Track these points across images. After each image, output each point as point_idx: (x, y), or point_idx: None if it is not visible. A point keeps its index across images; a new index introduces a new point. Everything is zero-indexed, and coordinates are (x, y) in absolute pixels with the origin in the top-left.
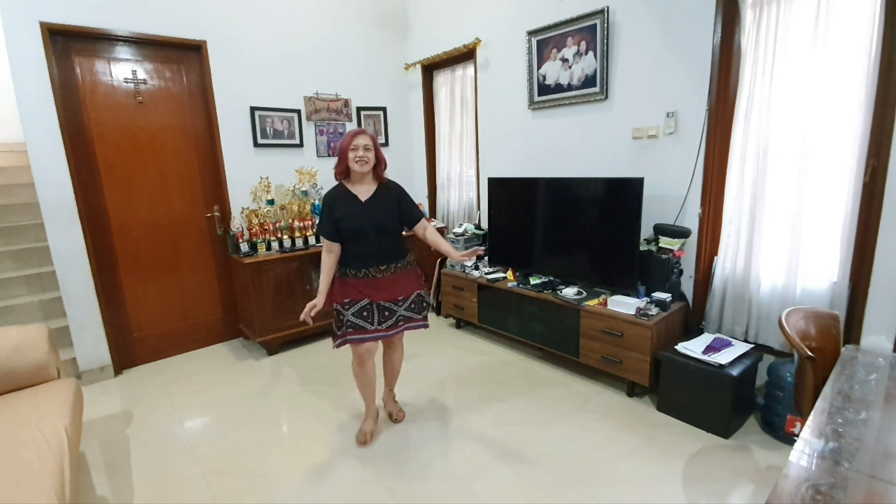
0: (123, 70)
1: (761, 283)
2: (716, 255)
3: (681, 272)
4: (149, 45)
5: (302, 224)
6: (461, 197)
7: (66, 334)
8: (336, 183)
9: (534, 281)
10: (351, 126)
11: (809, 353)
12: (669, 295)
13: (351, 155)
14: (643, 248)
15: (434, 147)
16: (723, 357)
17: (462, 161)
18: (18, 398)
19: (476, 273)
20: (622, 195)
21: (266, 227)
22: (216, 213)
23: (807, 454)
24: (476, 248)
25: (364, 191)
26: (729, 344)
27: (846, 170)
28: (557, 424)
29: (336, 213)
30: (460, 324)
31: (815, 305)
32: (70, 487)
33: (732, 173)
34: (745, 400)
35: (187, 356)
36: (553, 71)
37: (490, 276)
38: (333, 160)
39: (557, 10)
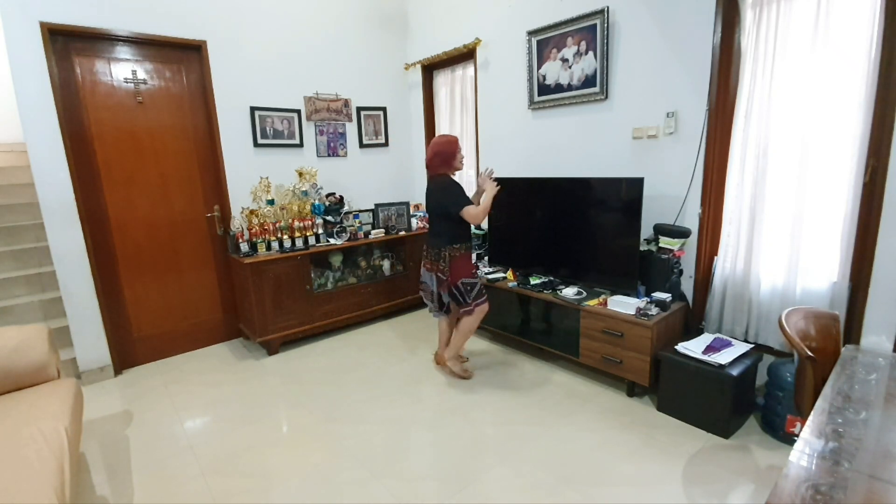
0: (123, 70)
1: (761, 283)
2: (716, 255)
3: (681, 272)
4: (149, 46)
5: (302, 224)
6: None
7: (66, 334)
8: (445, 175)
9: (534, 281)
10: (351, 126)
11: (809, 353)
12: (669, 295)
13: (459, 156)
14: (643, 248)
15: None
16: (723, 357)
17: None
18: (18, 398)
19: None
20: (622, 195)
21: (266, 227)
22: (216, 213)
23: (807, 454)
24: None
25: None
26: (729, 344)
27: (846, 170)
28: (557, 424)
29: None
30: None
31: (815, 305)
32: (70, 487)
33: (732, 173)
34: (745, 400)
35: (187, 356)
36: (553, 71)
37: (490, 276)
38: (333, 160)
39: (557, 10)
